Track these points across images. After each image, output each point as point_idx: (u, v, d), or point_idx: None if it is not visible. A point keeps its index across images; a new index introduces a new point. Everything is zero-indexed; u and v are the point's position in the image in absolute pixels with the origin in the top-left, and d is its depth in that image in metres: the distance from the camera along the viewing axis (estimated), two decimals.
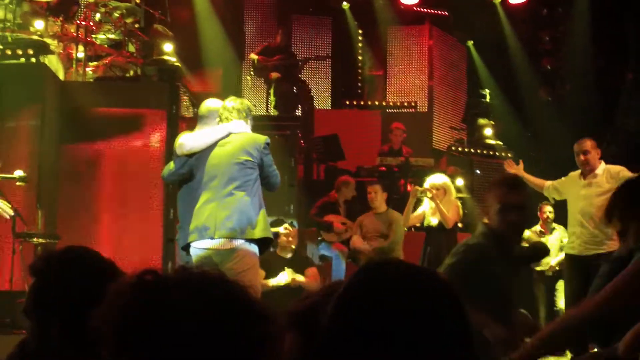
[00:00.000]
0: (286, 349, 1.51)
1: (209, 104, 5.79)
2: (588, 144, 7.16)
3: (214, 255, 5.22)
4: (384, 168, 11.00)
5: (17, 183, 7.17)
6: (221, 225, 5.16)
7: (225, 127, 5.48)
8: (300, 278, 7.98)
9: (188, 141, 5.51)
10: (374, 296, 1.28)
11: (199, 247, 5.26)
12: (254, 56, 12.17)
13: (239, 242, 5.18)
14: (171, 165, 5.75)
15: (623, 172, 6.94)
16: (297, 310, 1.62)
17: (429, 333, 1.25)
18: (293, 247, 8.17)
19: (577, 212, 7.14)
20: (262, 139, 5.43)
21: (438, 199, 7.76)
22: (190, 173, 5.60)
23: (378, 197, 8.69)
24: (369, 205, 8.91)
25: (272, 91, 11.92)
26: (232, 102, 5.59)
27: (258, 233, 5.24)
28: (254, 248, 5.28)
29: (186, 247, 5.44)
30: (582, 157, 7.13)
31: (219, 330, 1.10)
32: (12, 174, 7.14)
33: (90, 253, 2.16)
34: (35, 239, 7.23)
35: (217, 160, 5.37)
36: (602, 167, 7.13)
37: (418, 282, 1.31)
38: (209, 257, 5.23)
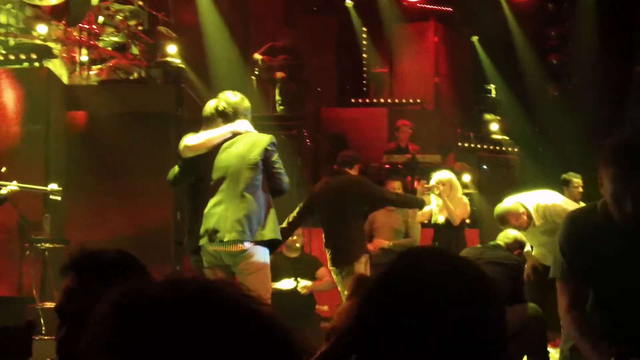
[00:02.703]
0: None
1: (214, 105, 5.73)
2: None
3: (225, 257, 5.20)
4: (389, 166, 10.97)
5: (51, 197, 7.10)
6: (231, 228, 5.14)
7: (230, 127, 5.45)
8: (308, 283, 7.95)
9: (193, 143, 5.46)
10: (411, 282, 1.29)
11: (210, 250, 5.24)
12: (258, 56, 12.14)
13: (250, 244, 5.16)
14: (175, 169, 5.70)
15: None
16: (366, 278, 1.64)
17: (464, 326, 1.25)
18: (298, 245, 8.15)
19: None
20: (268, 138, 5.39)
21: (444, 194, 7.74)
22: (197, 177, 5.55)
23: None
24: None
25: (277, 91, 11.90)
26: (229, 96, 5.54)
27: (268, 235, 5.23)
28: (265, 250, 5.26)
29: (196, 251, 5.41)
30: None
31: (211, 349, 1.05)
32: (46, 186, 7.05)
33: (126, 253, 2.14)
34: (43, 244, 7.22)
35: (225, 163, 5.33)
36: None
37: (458, 272, 1.31)
38: (220, 259, 5.21)
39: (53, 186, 7.01)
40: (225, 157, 5.35)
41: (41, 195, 7.46)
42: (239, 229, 5.14)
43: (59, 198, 7.11)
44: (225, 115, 5.47)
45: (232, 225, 5.15)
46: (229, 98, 5.53)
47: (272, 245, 5.34)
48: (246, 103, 5.58)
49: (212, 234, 5.20)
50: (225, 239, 5.15)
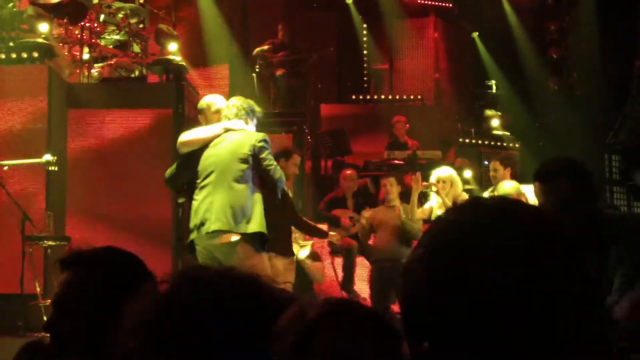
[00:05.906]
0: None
1: (206, 99, 5.88)
2: None
3: (215, 252, 5.22)
4: (391, 162, 10.98)
5: (50, 168, 7.16)
6: (215, 218, 5.17)
7: (223, 124, 5.52)
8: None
9: (186, 138, 5.56)
10: (470, 240, 1.03)
11: (200, 245, 5.28)
12: (259, 50, 12.14)
13: (237, 237, 5.18)
14: (173, 167, 5.75)
15: None
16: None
17: (544, 293, 1.00)
18: (300, 242, 8.16)
19: None
20: (259, 135, 5.45)
21: (444, 191, 7.74)
22: (194, 175, 5.59)
23: (393, 190, 8.61)
24: (379, 198, 8.82)
25: (277, 87, 11.91)
26: (235, 100, 5.64)
27: (252, 227, 5.23)
28: (254, 243, 5.27)
29: (189, 246, 5.45)
30: None
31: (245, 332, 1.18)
32: (42, 158, 7.12)
33: (122, 251, 2.20)
34: (45, 242, 7.25)
35: (214, 158, 5.40)
36: None
37: (534, 226, 1.05)
38: (211, 255, 5.24)
39: (47, 157, 7.07)
40: (215, 152, 5.41)
41: (44, 193, 7.50)
42: (223, 219, 5.16)
43: (55, 168, 7.16)
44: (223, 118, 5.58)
45: (216, 215, 5.18)
46: (232, 100, 5.65)
47: (260, 239, 5.33)
48: (250, 105, 5.64)
49: (200, 227, 5.24)
50: (211, 230, 5.18)
